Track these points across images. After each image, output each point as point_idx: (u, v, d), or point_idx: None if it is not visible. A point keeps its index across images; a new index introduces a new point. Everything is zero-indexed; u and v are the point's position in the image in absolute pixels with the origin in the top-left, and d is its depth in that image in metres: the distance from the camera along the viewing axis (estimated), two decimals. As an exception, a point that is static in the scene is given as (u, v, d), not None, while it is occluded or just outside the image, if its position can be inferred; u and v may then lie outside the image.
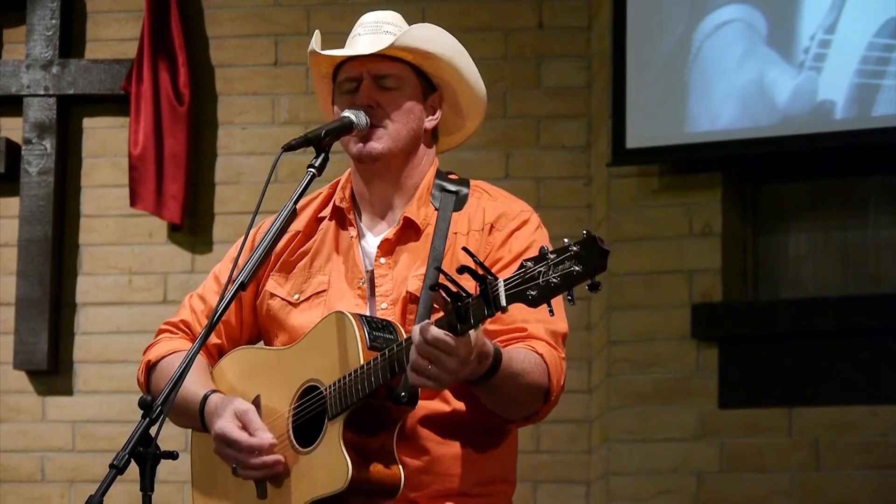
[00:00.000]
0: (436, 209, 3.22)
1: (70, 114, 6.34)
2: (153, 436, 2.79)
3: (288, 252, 3.30)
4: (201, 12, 6.30)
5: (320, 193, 3.36)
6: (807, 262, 5.60)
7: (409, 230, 3.21)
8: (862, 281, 5.51)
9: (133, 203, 6.15)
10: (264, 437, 3.07)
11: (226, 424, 3.08)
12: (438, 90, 3.27)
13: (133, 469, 2.80)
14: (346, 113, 3.19)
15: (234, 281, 2.96)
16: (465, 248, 2.86)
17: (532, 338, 3.07)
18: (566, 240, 2.69)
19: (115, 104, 6.28)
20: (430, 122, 3.27)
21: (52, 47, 6.29)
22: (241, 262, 3.02)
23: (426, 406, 3.07)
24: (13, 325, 6.16)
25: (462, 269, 2.76)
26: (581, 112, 6.02)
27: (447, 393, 3.11)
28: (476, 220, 3.20)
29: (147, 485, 2.79)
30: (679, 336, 5.50)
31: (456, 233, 3.19)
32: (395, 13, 3.31)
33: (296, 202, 3.05)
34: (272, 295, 3.27)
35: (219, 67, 6.28)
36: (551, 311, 2.72)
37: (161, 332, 3.38)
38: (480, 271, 2.75)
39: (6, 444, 6.16)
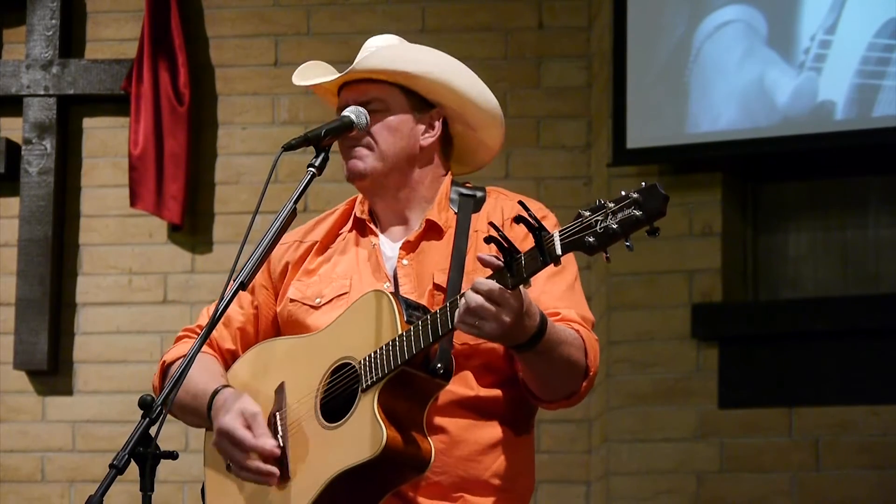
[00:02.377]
0: (455, 213, 3.26)
1: (70, 114, 6.34)
2: (153, 436, 2.79)
3: (308, 260, 3.33)
4: (201, 12, 6.31)
5: (337, 209, 3.40)
6: (807, 262, 5.60)
7: (431, 232, 3.25)
8: (862, 281, 5.52)
9: (133, 203, 6.15)
10: (268, 442, 3.07)
11: (231, 421, 3.09)
12: (438, 107, 3.30)
13: (133, 469, 2.80)
14: (347, 112, 3.23)
15: (235, 281, 2.97)
16: (520, 202, 2.90)
17: (566, 319, 3.11)
18: (623, 190, 2.73)
19: (115, 104, 6.28)
20: (426, 139, 3.29)
21: (52, 47, 6.29)
22: (240, 262, 3.03)
23: (452, 391, 3.09)
24: (13, 325, 6.16)
25: (518, 219, 2.80)
26: (581, 112, 6.02)
27: (472, 380, 3.13)
28: (495, 217, 3.24)
29: (147, 485, 2.79)
30: (679, 336, 5.50)
31: (477, 231, 3.22)
32: (396, 36, 3.38)
33: (296, 202, 3.06)
34: (293, 300, 3.29)
35: (219, 67, 6.28)
36: (608, 258, 2.75)
37: (179, 338, 3.40)
38: (535, 224, 2.79)
39: (6, 444, 6.16)
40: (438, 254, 3.22)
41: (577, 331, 3.09)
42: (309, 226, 3.40)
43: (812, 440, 5.32)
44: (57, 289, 6.21)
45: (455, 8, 6.04)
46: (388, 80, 3.26)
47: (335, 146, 3.22)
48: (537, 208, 3.28)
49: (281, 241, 3.30)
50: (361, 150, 3.24)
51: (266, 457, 3.07)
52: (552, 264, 2.79)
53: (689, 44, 5.58)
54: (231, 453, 3.10)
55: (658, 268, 5.55)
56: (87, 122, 6.34)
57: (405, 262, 3.22)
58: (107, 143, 6.31)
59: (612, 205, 2.73)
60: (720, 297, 5.48)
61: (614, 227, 2.71)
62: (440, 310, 2.95)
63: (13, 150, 6.25)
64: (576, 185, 5.94)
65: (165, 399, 2.83)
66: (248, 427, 3.08)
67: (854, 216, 5.55)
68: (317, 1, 6.22)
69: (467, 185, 3.35)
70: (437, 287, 3.16)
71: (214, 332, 3.30)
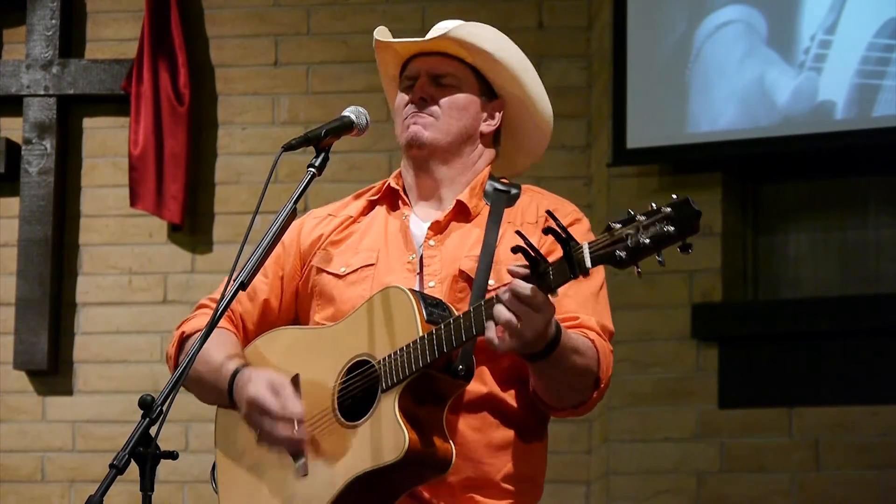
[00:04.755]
0: (487, 204, 3.26)
1: (70, 114, 6.34)
2: (153, 436, 2.79)
3: (336, 231, 3.31)
4: (201, 12, 6.31)
5: (373, 186, 3.38)
6: (807, 262, 5.60)
7: (460, 214, 3.24)
8: (862, 281, 5.52)
9: (133, 203, 6.15)
10: (297, 406, 3.06)
11: (259, 391, 3.08)
12: (500, 99, 3.32)
13: (133, 469, 2.80)
14: (347, 112, 3.21)
15: (235, 280, 2.97)
16: (547, 211, 2.88)
17: (583, 326, 3.09)
18: (653, 203, 2.69)
19: (115, 104, 6.28)
20: (486, 126, 3.31)
21: (52, 47, 6.29)
22: (241, 261, 3.02)
23: (466, 390, 3.07)
24: (13, 325, 6.16)
25: (547, 231, 2.77)
26: (581, 112, 6.02)
27: (487, 376, 3.12)
28: (529, 214, 3.24)
29: (147, 485, 2.79)
30: (679, 336, 5.50)
31: (510, 222, 3.21)
32: (474, 23, 3.34)
33: (296, 202, 3.05)
34: (319, 270, 3.27)
35: (219, 67, 6.28)
36: (639, 273, 2.73)
37: (200, 306, 3.38)
38: (563, 234, 2.76)
39: (6, 444, 6.16)
40: (465, 239, 3.20)
41: (593, 340, 3.07)
42: (343, 202, 3.39)
43: (812, 440, 5.32)
44: (57, 289, 6.21)
45: (455, 8, 6.04)
46: (467, 59, 3.27)
47: (338, 145, 3.21)
48: (571, 210, 3.29)
49: (313, 216, 3.33)
50: (426, 118, 3.25)
51: (297, 421, 3.06)
52: (581, 276, 2.76)
53: (690, 44, 5.58)
54: (261, 422, 3.08)
55: (658, 268, 5.52)
56: (87, 122, 6.34)
57: (432, 242, 3.21)
58: (107, 143, 6.31)
59: (642, 218, 2.69)
60: (720, 297, 5.48)
61: (646, 241, 2.68)
62: (465, 314, 2.93)
63: (13, 150, 6.25)
64: (576, 185, 5.94)
65: (166, 398, 2.82)
66: (276, 394, 3.07)
67: (854, 216, 5.55)
68: (317, 1, 6.22)
69: (503, 180, 3.34)
70: (462, 274, 3.14)
71: (237, 304, 3.30)
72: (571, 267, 2.75)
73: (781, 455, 5.34)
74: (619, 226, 2.71)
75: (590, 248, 2.74)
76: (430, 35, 3.30)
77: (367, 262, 3.23)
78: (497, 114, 3.32)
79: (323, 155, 3.12)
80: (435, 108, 3.25)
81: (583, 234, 3.22)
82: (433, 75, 3.26)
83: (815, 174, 5.60)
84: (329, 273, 3.26)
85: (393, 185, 3.31)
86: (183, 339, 3.31)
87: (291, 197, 3.05)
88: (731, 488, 5.40)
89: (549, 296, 2.82)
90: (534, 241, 2.86)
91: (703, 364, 5.48)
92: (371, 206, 3.34)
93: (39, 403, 6.19)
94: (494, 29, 3.33)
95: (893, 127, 5.26)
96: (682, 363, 5.50)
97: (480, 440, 3.11)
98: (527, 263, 2.80)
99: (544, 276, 2.79)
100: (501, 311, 2.82)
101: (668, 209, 2.66)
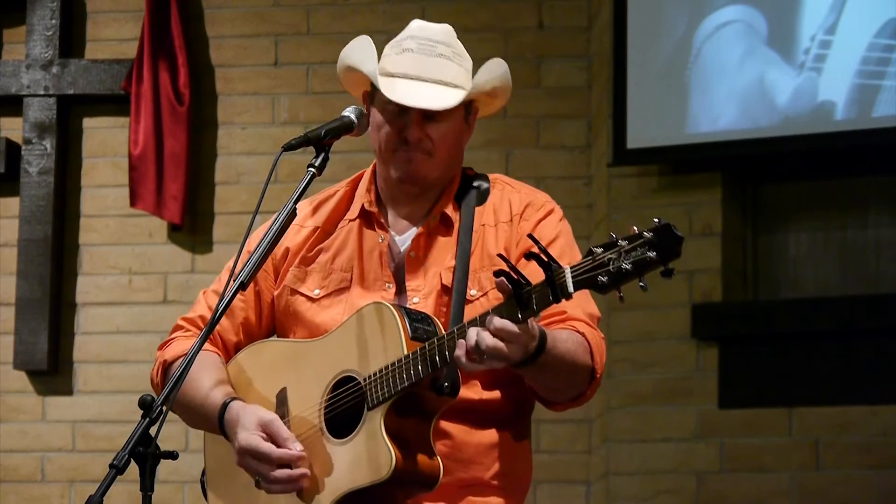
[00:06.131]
0: (457, 207, 3.24)
1: (70, 114, 6.34)
2: (153, 436, 2.79)
3: (307, 248, 3.29)
4: (201, 12, 6.30)
5: (337, 191, 3.35)
6: (807, 262, 5.60)
7: (442, 226, 3.23)
8: (862, 281, 5.51)
9: (133, 203, 6.15)
10: (294, 447, 3.05)
11: (251, 437, 3.06)
12: (475, 104, 3.28)
13: (133, 469, 2.80)
14: (347, 112, 3.21)
15: (234, 281, 2.96)
16: (529, 235, 2.88)
17: (571, 319, 3.10)
18: (635, 228, 2.69)
19: (115, 104, 6.28)
20: (467, 136, 3.29)
21: (52, 47, 6.29)
22: (240, 261, 3.03)
23: (458, 396, 3.07)
24: (13, 325, 6.16)
25: (529, 256, 2.77)
26: (581, 112, 6.02)
27: (477, 383, 3.13)
28: (502, 212, 3.23)
29: (147, 485, 2.79)
30: (679, 336, 5.50)
31: (484, 224, 3.20)
32: (447, 27, 3.31)
33: (296, 202, 3.05)
34: (293, 291, 3.26)
35: (219, 67, 6.28)
36: (622, 297, 2.73)
37: (176, 328, 3.36)
38: (545, 258, 2.75)
39: (6, 444, 6.16)
40: (444, 250, 3.19)
41: (583, 333, 3.08)
42: (309, 209, 3.35)
43: (812, 440, 5.31)
44: (57, 289, 6.21)
45: (455, 8, 6.04)
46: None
47: (338, 145, 3.21)
48: (543, 202, 3.27)
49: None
50: (420, 156, 3.19)
51: (294, 463, 3.05)
52: (563, 300, 2.76)
53: (689, 44, 5.58)
54: (258, 469, 3.07)
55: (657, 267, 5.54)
56: (87, 122, 6.34)
57: (412, 254, 3.20)
58: (107, 143, 6.31)
59: (624, 243, 2.69)
60: (720, 297, 5.47)
61: (627, 267, 2.68)
62: (449, 333, 2.93)
63: (13, 150, 6.25)
64: (576, 185, 5.94)
65: (166, 399, 2.82)
66: (269, 437, 3.06)
67: (854, 216, 5.55)
68: (317, 1, 6.22)
69: (469, 171, 3.32)
70: (444, 288, 3.14)
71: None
72: (554, 293, 2.76)
73: (781, 455, 5.34)
74: (600, 250, 2.71)
75: (572, 273, 2.74)
76: (418, 64, 3.21)
77: (340, 285, 3.22)
78: (473, 119, 3.29)
79: (323, 155, 3.12)
80: (429, 144, 3.19)
81: (555, 223, 3.22)
82: (425, 111, 3.18)
83: (815, 174, 5.60)
84: (302, 295, 3.25)
85: (367, 207, 3.25)
86: (165, 368, 3.29)
87: (291, 197, 3.05)
88: (731, 488, 5.40)
89: (533, 318, 2.83)
90: (507, 240, 2.84)
91: (702, 364, 5.47)
92: (341, 220, 3.30)
93: (39, 403, 6.19)
94: (493, 61, 3.27)
95: (893, 127, 5.26)
96: (681, 363, 5.50)
97: (471, 442, 3.12)
98: (512, 277, 2.79)
99: (527, 298, 2.79)
100: (475, 341, 2.82)
101: (650, 234, 2.66)
